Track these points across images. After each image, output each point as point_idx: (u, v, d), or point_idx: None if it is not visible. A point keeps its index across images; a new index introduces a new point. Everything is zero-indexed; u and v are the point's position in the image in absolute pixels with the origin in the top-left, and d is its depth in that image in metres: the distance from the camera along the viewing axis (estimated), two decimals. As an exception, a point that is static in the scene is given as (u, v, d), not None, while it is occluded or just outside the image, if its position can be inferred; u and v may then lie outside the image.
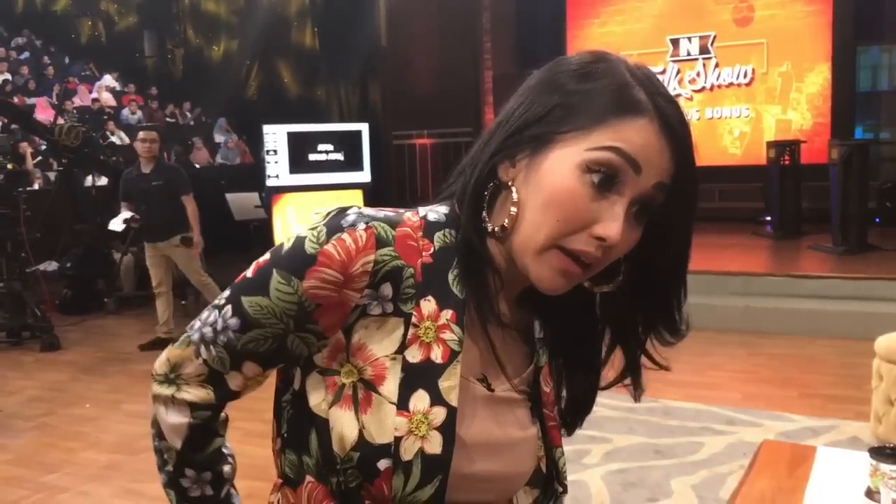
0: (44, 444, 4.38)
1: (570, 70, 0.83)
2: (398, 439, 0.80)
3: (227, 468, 0.95)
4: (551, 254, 0.81)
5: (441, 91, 11.33)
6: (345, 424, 0.81)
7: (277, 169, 7.94)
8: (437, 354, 0.82)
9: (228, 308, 0.85)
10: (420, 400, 0.80)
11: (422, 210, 0.88)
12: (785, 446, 2.65)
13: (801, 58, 10.10)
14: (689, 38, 10.56)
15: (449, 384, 0.82)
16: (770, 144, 8.88)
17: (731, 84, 10.44)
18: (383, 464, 0.80)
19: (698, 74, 10.56)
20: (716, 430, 4.06)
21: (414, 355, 0.81)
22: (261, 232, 10.58)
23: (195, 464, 0.92)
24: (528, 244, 0.82)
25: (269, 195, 8.36)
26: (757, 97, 10.38)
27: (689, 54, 10.57)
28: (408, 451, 0.80)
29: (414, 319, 0.82)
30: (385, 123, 11.60)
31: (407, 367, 0.81)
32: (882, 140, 10.04)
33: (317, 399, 0.84)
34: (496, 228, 0.84)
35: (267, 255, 0.85)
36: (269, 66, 14.13)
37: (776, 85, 10.29)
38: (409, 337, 0.82)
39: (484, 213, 0.85)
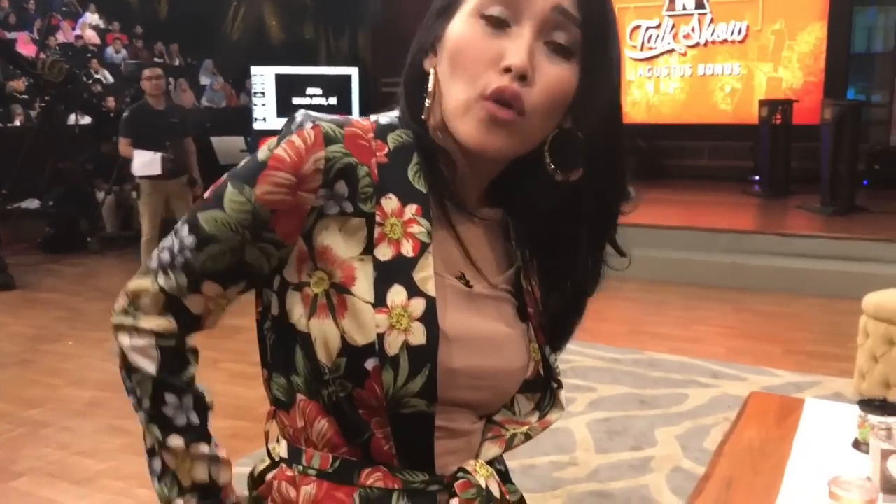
0: (26, 381, 4.35)
1: None
2: (381, 336, 0.78)
3: (207, 397, 0.90)
4: (475, 106, 0.79)
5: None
6: (326, 333, 0.80)
7: (265, 112, 7.81)
8: (407, 249, 0.81)
9: (185, 227, 0.83)
10: (397, 294, 0.79)
11: (373, 116, 0.87)
12: (773, 398, 2.66)
13: (796, 16, 9.99)
14: (686, -7, 10.42)
15: (424, 275, 0.81)
16: (762, 103, 8.84)
17: (724, 40, 10.34)
18: (370, 363, 0.78)
19: (693, 30, 10.44)
20: (700, 382, 4.09)
21: (384, 253, 0.80)
22: (246, 176, 10.46)
23: (174, 388, 0.87)
24: (452, 108, 0.81)
25: (256, 138, 8.24)
26: (749, 54, 10.28)
27: (684, 9, 10.43)
28: (392, 346, 0.78)
29: (378, 218, 0.81)
30: (374, 69, 11.42)
31: (379, 266, 0.80)
32: (874, 102, 10.01)
33: (296, 315, 0.83)
34: (424, 113, 0.84)
35: (224, 176, 0.84)
36: (256, 8, 13.85)
37: (769, 42, 10.19)
38: (375, 236, 0.80)
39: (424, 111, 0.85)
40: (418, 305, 0.80)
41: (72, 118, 8.67)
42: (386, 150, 0.83)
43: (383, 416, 0.81)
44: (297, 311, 0.82)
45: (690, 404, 3.79)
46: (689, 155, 10.45)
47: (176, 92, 11.87)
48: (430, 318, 0.80)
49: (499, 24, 0.79)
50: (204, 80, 13.11)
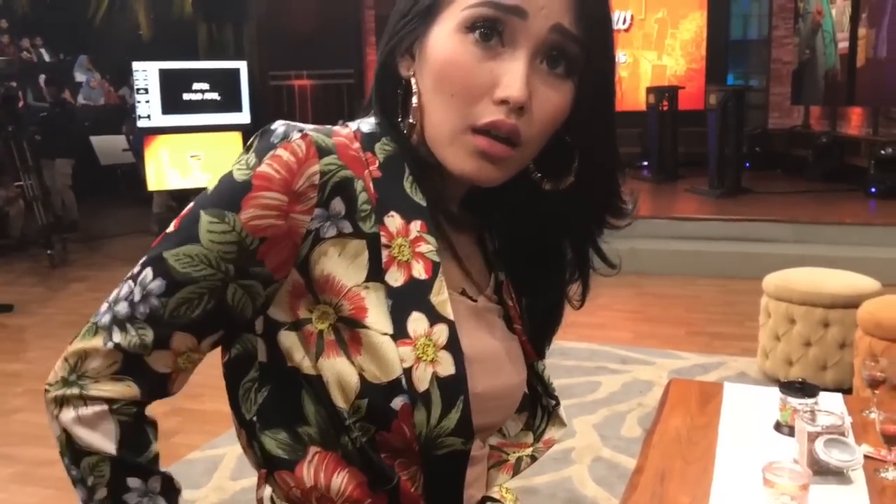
0: None
1: None
2: (408, 371, 0.70)
3: (175, 481, 0.77)
4: (464, 137, 0.72)
5: (320, 30, 10.93)
6: (341, 373, 0.71)
7: (149, 109, 7.45)
8: (419, 271, 0.73)
9: (147, 271, 0.70)
10: (418, 323, 0.72)
11: (352, 124, 0.79)
12: (693, 384, 2.70)
13: (676, 4, 10.32)
14: (571, -17, 10.57)
15: (441, 298, 0.74)
16: (649, 90, 9.08)
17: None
18: (398, 402, 0.70)
19: (579, 19, 10.61)
20: (611, 369, 4.13)
21: (396, 278, 0.73)
22: (129, 177, 10.00)
23: (139, 469, 0.73)
24: (437, 134, 0.74)
25: (140, 137, 7.85)
26: (634, 43, 10.55)
27: None
28: (422, 381, 0.70)
29: (384, 240, 0.73)
30: (261, 63, 11.11)
31: (392, 293, 0.72)
32: (752, 87, 10.43)
33: (299, 357, 0.73)
34: (405, 129, 0.77)
35: (190, 204, 0.73)
36: (134, 0, 13.24)
37: (653, 31, 10.48)
38: (384, 260, 0.72)
39: (400, 118, 0.78)
40: (442, 332, 0.73)
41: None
42: (377, 162, 0.75)
43: (410, 456, 0.73)
44: (300, 353, 0.73)
45: (604, 392, 3.82)
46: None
47: (63, 88, 11.25)
48: (454, 344, 0.73)
49: (488, 40, 0.71)
50: (80, 77, 12.48)
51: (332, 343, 0.71)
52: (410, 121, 0.76)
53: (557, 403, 0.92)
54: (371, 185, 0.73)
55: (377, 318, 0.71)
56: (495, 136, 0.71)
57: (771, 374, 3.79)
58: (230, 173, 0.71)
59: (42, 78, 11.48)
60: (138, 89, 7.32)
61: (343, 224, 0.72)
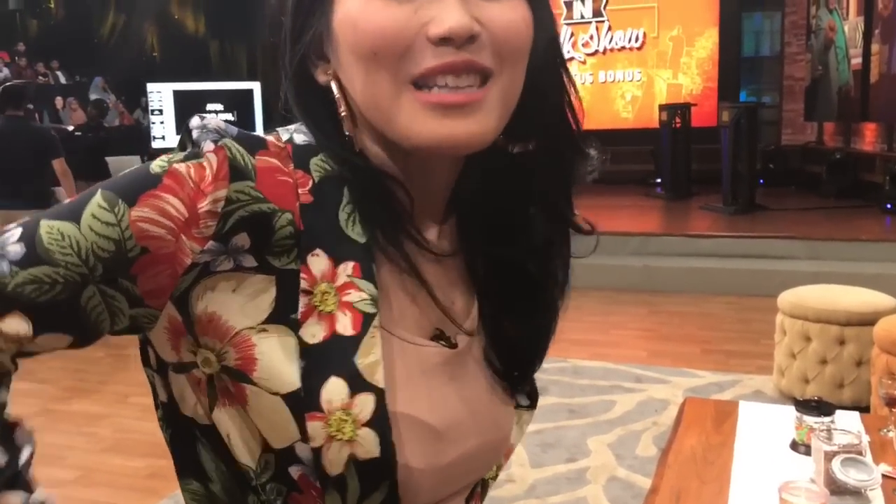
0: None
1: None
2: (317, 451, 0.58)
3: (25, 431, 0.62)
4: (407, 96, 0.59)
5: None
6: (244, 426, 0.61)
7: (163, 130, 7.51)
8: (344, 325, 0.59)
9: (17, 231, 0.57)
10: (335, 391, 0.58)
11: (284, 132, 0.65)
12: (708, 403, 2.68)
13: (692, 22, 10.31)
14: (583, 1, 10.60)
15: (370, 360, 0.60)
16: (662, 107, 9.08)
17: (623, 48, 10.57)
18: (294, 470, 0.60)
19: (591, 38, 10.64)
20: (625, 388, 4.10)
21: (314, 333, 0.59)
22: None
23: None
24: (376, 110, 0.60)
25: (154, 159, 7.94)
26: (648, 61, 10.54)
27: (582, 17, 10.62)
28: (334, 464, 0.58)
29: (304, 284, 0.59)
30: (275, 83, 11.20)
31: (308, 352, 0.59)
32: (764, 104, 10.42)
33: (190, 405, 0.63)
34: (348, 139, 0.63)
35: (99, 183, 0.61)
36: (142, 22, 13.42)
37: (667, 49, 10.47)
38: (301, 310, 0.59)
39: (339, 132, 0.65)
40: (365, 405, 0.59)
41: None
42: (309, 183, 0.61)
43: None
44: (192, 399, 0.63)
45: (618, 411, 3.79)
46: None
47: (66, 111, 11.41)
48: (380, 420, 0.59)
49: None
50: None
51: (225, 391, 0.61)
52: (347, 131, 0.63)
53: (532, 406, 0.78)
54: (299, 213, 0.60)
55: (270, 371, 0.59)
56: (452, 87, 0.58)
57: (787, 392, 3.75)
58: (150, 163, 0.59)
59: (69, 100, 11.65)
60: (153, 110, 7.40)
61: (244, 257, 0.59)
